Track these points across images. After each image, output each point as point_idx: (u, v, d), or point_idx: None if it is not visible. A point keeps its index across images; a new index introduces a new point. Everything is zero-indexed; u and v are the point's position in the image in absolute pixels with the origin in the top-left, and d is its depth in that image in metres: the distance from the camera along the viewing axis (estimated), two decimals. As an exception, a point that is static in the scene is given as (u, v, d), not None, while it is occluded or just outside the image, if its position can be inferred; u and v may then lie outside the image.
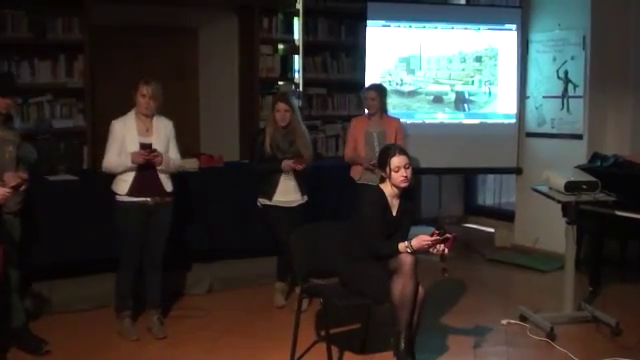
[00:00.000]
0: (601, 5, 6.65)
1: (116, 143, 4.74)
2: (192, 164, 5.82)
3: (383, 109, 5.91)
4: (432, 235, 3.97)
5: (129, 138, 4.73)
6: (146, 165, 4.68)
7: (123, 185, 4.73)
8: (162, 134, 4.82)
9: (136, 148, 4.71)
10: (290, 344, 4.24)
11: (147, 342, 4.70)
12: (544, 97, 7.07)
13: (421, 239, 3.96)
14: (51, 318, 5.07)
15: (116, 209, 4.77)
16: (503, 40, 7.19)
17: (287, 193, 5.33)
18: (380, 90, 5.94)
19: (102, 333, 4.84)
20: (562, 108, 6.90)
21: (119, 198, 4.75)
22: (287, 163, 5.26)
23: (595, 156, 6.34)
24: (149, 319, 4.89)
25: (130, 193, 4.71)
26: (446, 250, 3.95)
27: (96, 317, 5.13)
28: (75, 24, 6.29)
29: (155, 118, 4.82)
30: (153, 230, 4.80)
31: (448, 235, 3.94)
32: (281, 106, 5.33)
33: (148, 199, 4.74)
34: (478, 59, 7.16)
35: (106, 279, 5.17)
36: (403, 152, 4.21)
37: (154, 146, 4.74)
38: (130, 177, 4.71)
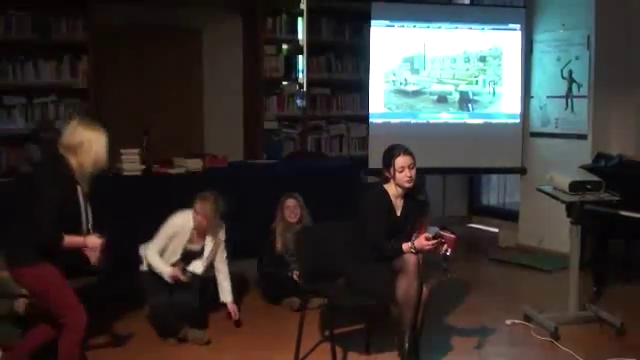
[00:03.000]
0: (605, 5, 6.63)
1: (165, 238, 4.68)
2: (196, 164, 5.87)
3: None
4: (435, 235, 3.97)
5: (178, 240, 4.68)
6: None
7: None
8: (213, 243, 4.80)
9: (179, 251, 4.70)
10: (294, 344, 4.24)
11: (149, 341, 4.70)
12: (548, 97, 7.06)
13: (422, 239, 3.96)
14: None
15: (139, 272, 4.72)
16: (507, 40, 7.17)
17: None
18: None
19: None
20: (566, 108, 6.88)
21: (143, 268, 4.72)
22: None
23: (599, 156, 6.34)
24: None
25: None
26: (449, 250, 3.95)
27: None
28: (79, 25, 6.32)
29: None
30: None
31: (451, 235, 3.95)
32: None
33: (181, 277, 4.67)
34: (482, 59, 7.15)
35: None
36: (408, 152, 4.20)
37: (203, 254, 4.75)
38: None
